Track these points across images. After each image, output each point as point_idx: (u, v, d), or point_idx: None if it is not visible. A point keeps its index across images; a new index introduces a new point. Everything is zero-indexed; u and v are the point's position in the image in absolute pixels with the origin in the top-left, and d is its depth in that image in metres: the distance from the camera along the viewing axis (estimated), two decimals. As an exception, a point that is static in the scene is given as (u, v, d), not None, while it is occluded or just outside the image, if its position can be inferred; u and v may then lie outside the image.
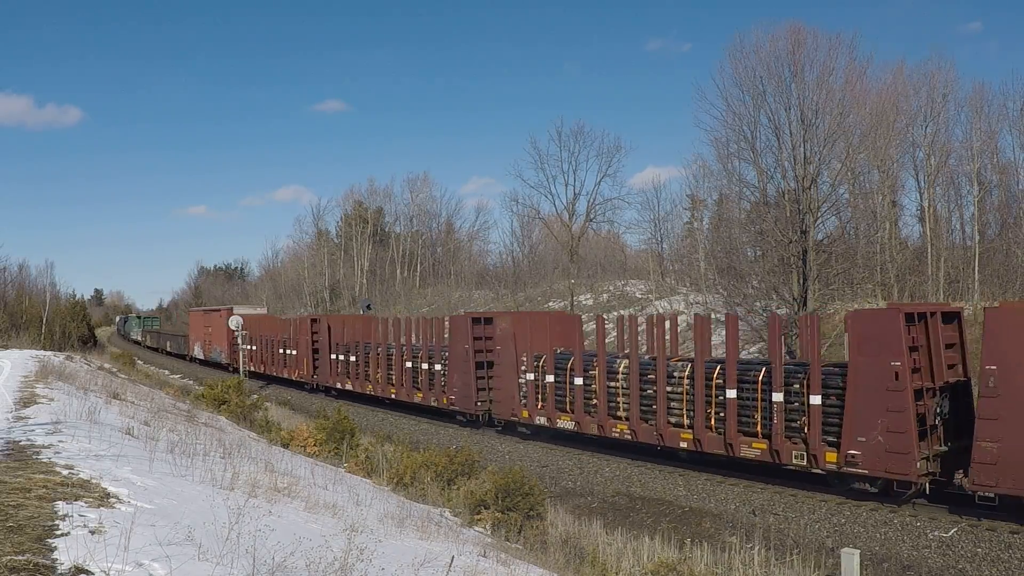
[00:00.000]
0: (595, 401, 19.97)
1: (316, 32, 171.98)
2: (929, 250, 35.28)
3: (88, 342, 66.47)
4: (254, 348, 44.60)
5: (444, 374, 26.09)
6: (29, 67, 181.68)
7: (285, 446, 18.73)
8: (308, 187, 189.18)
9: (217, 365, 51.03)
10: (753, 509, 15.50)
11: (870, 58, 42.75)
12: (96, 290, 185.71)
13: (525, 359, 22.22)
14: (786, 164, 33.66)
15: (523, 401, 22.22)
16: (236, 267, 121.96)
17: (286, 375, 39.96)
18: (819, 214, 32.66)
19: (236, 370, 42.51)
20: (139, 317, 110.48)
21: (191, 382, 43.77)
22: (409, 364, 28.41)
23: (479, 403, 24.49)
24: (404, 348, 28.88)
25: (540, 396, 21.75)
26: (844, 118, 33.16)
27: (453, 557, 7.35)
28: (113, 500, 6.81)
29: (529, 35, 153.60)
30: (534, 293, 57.50)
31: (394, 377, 29.48)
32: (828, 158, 32.95)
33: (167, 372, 53.77)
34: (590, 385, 20.12)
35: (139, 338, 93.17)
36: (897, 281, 34.98)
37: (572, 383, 20.56)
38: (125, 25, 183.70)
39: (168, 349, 70.43)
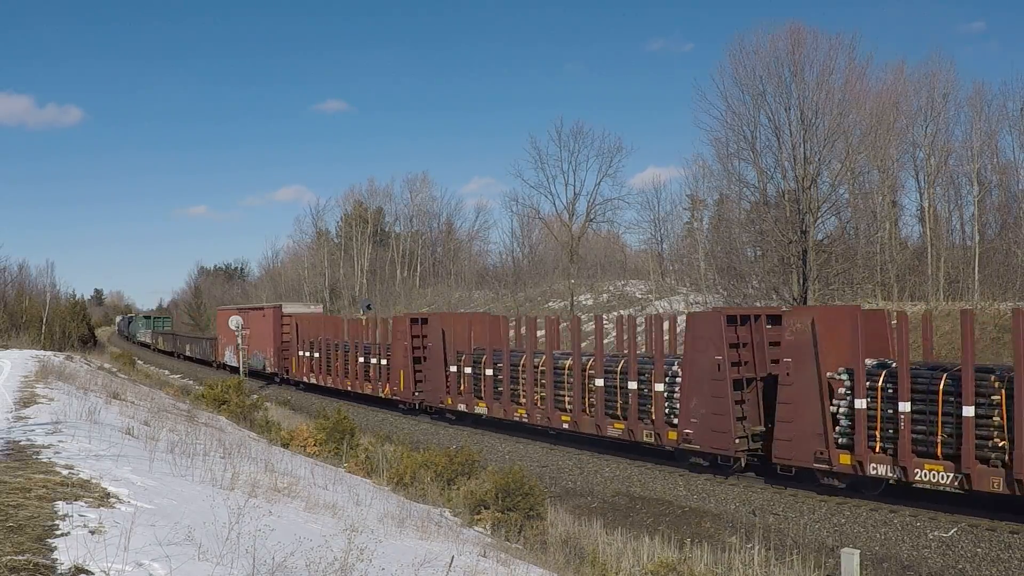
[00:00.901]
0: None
1: (317, 32, 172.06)
2: (929, 250, 35.29)
3: (88, 342, 66.43)
4: (315, 355, 35.91)
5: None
6: (30, 67, 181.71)
7: (285, 446, 18.73)
8: (309, 187, 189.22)
9: (258, 374, 42.47)
10: (753, 509, 15.50)
11: (870, 58, 42.68)
12: (96, 290, 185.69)
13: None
14: (786, 164, 33.69)
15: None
16: (236, 267, 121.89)
17: (367, 391, 30.98)
18: (819, 214, 32.70)
19: (287, 381, 39.56)
20: (147, 317, 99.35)
21: (191, 382, 43.78)
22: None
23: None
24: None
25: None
26: (844, 118, 33.20)
27: (453, 557, 7.35)
28: (113, 500, 6.81)
29: (530, 35, 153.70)
30: (534, 293, 57.51)
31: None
32: (828, 158, 33.00)
33: (167, 372, 53.76)
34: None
35: (147, 340, 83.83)
36: (897, 281, 34.99)
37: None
38: (126, 25, 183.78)
39: (188, 353, 60.90)
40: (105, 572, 4.71)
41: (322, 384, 34.94)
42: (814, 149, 32.30)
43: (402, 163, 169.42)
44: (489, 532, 12.69)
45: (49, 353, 36.48)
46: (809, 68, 33.38)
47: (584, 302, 50.91)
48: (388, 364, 28.85)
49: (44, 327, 53.39)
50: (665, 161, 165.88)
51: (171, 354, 68.26)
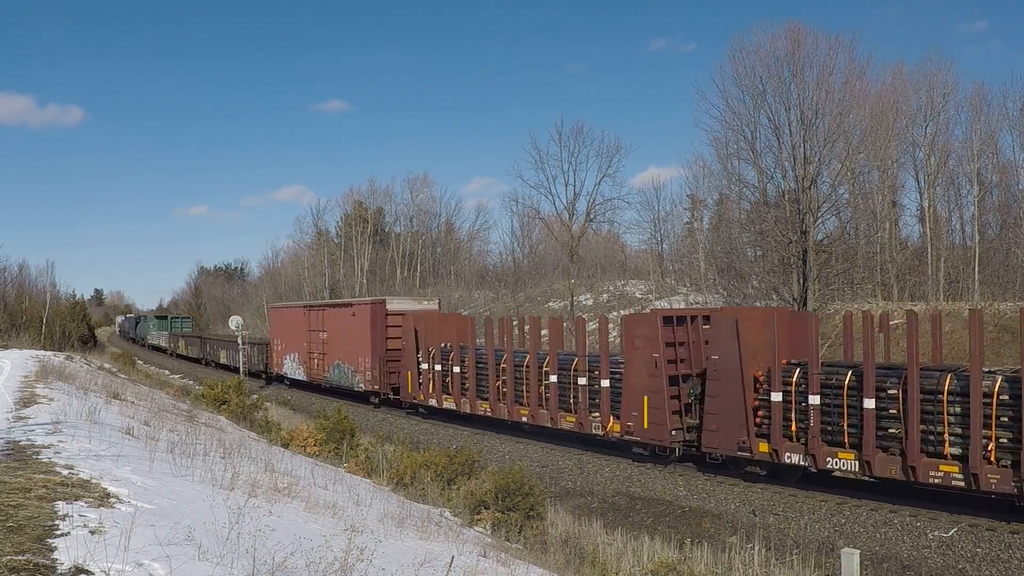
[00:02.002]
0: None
1: (318, 32, 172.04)
2: (929, 250, 35.29)
3: (88, 342, 66.41)
4: (450, 369, 25.07)
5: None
6: (31, 67, 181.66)
7: (285, 446, 18.73)
8: (309, 187, 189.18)
9: (348, 393, 31.92)
10: (753, 509, 15.50)
11: (870, 58, 42.82)
12: (96, 290, 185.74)
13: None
14: (786, 164, 33.69)
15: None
16: (236, 267, 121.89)
17: (565, 425, 20.69)
18: (819, 214, 32.70)
19: (393, 403, 29.29)
20: (162, 317, 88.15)
21: (191, 382, 43.73)
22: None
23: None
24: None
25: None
26: (844, 118, 33.20)
27: (453, 557, 7.35)
28: (113, 500, 6.81)
29: (532, 35, 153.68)
30: (534, 293, 57.51)
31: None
32: (828, 158, 32.99)
33: (167, 372, 53.74)
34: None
35: (162, 343, 73.03)
36: (897, 281, 34.99)
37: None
38: (127, 25, 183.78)
39: (222, 361, 49.99)
40: (105, 572, 4.71)
41: (465, 411, 24.47)
42: (814, 149, 32.30)
43: (403, 163, 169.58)
44: (489, 532, 12.69)
45: (49, 353, 36.49)
46: (809, 68, 33.40)
47: (584, 302, 50.92)
48: (611, 386, 19.17)
49: (44, 327, 53.41)
50: (666, 161, 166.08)
51: (198, 361, 56.71)
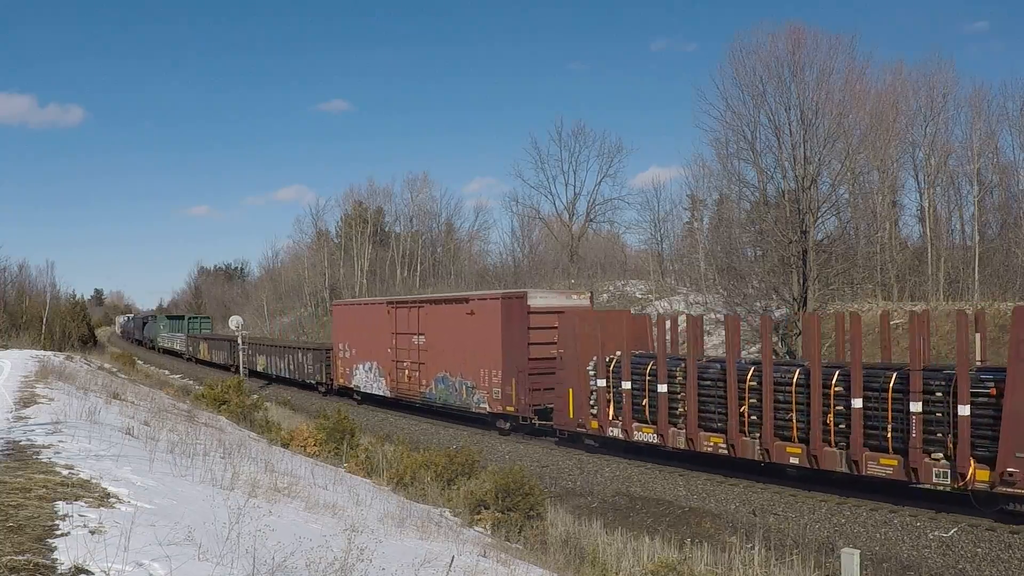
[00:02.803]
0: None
1: (318, 32, 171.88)
2: (929, 250, 35.27)
3: (88, 342, 66.34)
4: (661, 389, 18.13)
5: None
6: (31, 67, 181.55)
7: (285, 446, 18.73)
8: (310, 187, 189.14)
9: (458, 415, 26.17)
10: (753, 509, 15.50)
11: (870, 58, 42.73)
12: (96, 290, 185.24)
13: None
14: (786, 164, 33.67)
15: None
16: (236, 267, 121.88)
17: (836, 465, 15.16)
18: (819, 214, 32.67)
19: (527, 427, 22.91)
20: (176, 317, 78.58)
21: (191, 382, 43.71)
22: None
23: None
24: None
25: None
26: (844, 118, 33.18)
27: (453, 557, 7.35)
28: (113, 500, 6.81)
29: (533, 35, 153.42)
30: (534, 293, 57.41)
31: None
32: (828, 158, 32.96)
33: (167, 372, 53.74)
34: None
35: (178, 347, 65.59)
36: (897, 281, 34.98)
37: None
38: (128, 25, 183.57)
39: (263, 369, 42.44)
40: (105, 572, 4.71)
41: (677, 446, 18.01)
42: (814, 149, 32.28)
43: (403, 163, 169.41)
44: (489, 532, 12.69)
45: (49, 353, 36.49)
46: (809, 68, 33.36)
47: (584, 302, 50.82)
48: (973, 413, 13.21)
49: (44, 327, 53.36)
50: (667, 161, 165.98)
51: (225, 368, 47.73)
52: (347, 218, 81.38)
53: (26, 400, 14.81)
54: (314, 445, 19.24)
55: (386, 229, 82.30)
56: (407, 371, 27.81)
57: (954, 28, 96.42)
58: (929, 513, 13.88)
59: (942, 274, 34.60)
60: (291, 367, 38.69)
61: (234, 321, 44.27)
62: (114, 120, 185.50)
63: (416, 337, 27.14)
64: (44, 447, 9.10)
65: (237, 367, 44.74)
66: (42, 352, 36.80)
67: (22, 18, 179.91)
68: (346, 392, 32.91)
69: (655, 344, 19.40)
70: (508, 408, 22.82)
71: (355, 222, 78.85)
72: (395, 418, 28.69)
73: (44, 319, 54.48)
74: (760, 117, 34.95)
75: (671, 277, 52.36)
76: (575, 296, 25.01)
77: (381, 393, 29.89)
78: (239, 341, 43.72)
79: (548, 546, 12.45)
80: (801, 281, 31.86)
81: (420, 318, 27.04)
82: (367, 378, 30.88)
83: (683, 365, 17.87)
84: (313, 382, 36.17)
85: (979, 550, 12.52)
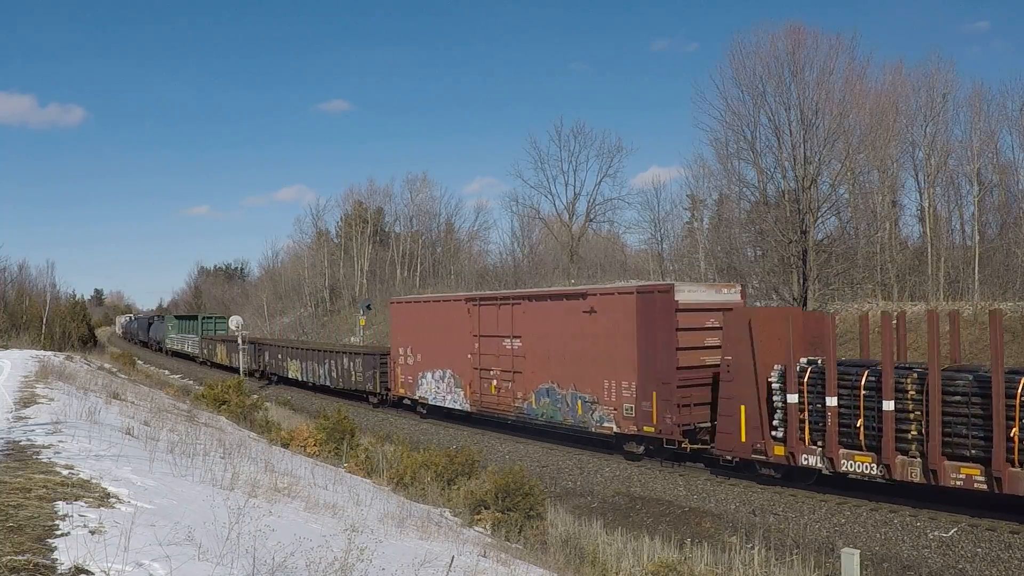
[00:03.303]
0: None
1: (319, 32, 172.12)
2: (929, 250, 35.27)
3: (88, 342, 66.31)
4: (888, 407, 13.98)
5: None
6: (32, 67, 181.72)
7: (285, 446, 18.73)
8: (311, 187, 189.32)
9: (564, 434, 21.95)
10: (753, 509, 15.50)
11: (870, 58, 42.77)
12: (96, 290, 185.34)
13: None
14: (786, 164, 33.68)
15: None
16: (236, 267, 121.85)
17: None
18: (819, 214, 32.69)
19: (737, 459, 16.89)
20: (190, 317, 71.26)
21: (191, 382, 43.70)
22: None
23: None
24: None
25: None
26: (844, 118, 33.18)
27: (453, 557, 7.35)
28: (113, 500, 6.81)
29: (535, 35, 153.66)
30: (534, 293, 57.44)
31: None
32: (828, 158, 32.98)
33: (167, 372, 53.72)
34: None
35: (190, 349, 60.27)
36: (897, 281, 34.97)
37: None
38: (129, 25, 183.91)
39: (292, 374, 37.91)
40: (105, 572, 4.71)
41: (895, 478, 14.26)
42: (814, 149, 32.29)
43: (405, 163, 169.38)
44: (489, 532, 12.69)
45: (49, 353, 36.48)
46: (809, 68, 33.39)
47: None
48: None
49: (44, 327, 53.36)
50: (668, 161, 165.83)
51: (250, 374, 41.77)
52: (347, 218, 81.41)
53: (26, 400, 14.81)
54: (314, 445, 19.24)
55: (386, 229, 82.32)
56: (495, 381, 23.12)
57: (954, 28, 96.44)
58: (929, 513, 13.88)
59: (942, 274, 34.59)
60: (333, 374, 33.35)
61: (234, 321, 44.20)
62: (114, 120, 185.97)
63: (509, 340, 22.55)
64: (44, 447, 9.10)
65: (261, 372, 42.04)
66: (42, 352, 36.79)
67: (22, 18, 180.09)
68: (405, 404, 28.65)
69: (832, 349, 15.00)
70: (645, 428, 18.46)
71: (355, 222, 78.87)
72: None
73: (44, 319, 54.48)
74: (760, 117, 34.99)
75: (671, 277, 52.31)
76: (724, 290, 20.06)
77: (457, 407, 25.05)
78: (239, 341, 43.54)
79: (548, 546, 12.45)
80: (801, 281, 31.87)
81: (515, 317, 22.46)
82: (437, 389, 26.18)
83: (914, 375, 13.86)
84: (362, 392, 31.41)
85: (979, 550, 12.52)
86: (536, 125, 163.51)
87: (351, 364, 32.08)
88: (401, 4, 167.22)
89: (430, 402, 26.73)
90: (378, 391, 30.31)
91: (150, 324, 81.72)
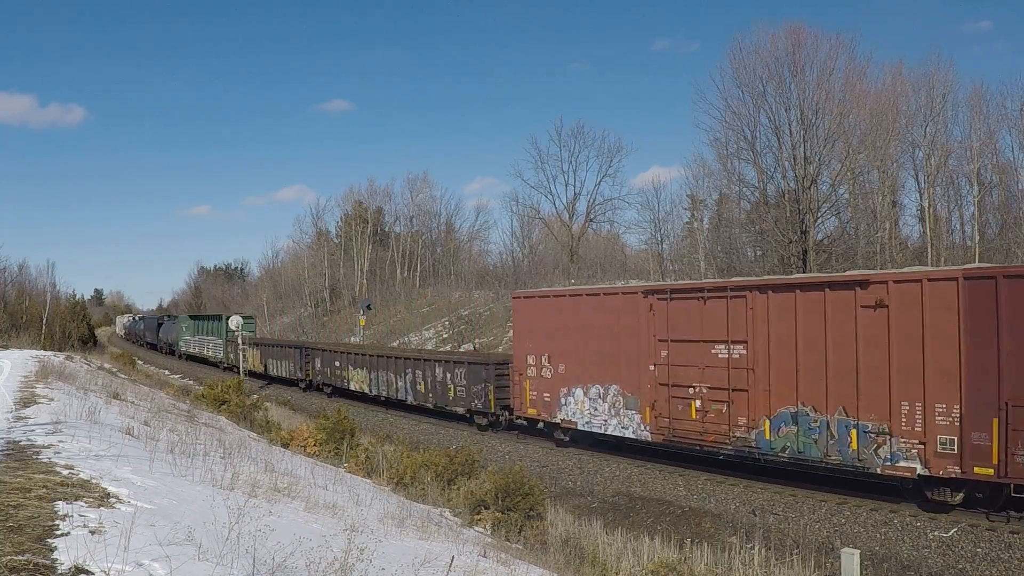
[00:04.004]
0: None
1: (320, 31, 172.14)
2: (929, 250, 35.29)
3: (88, 342, 66.32)
4: None
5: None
6: (32, 66, 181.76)
7: (285, 446, 18.73)
8: (311, 187, 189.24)
9: (827, 479, 16.53)
10: (753, 509, 15.50)
11: (870, 58, 42.77)
12: (96, 290, 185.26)
13: None
14: (786, 164, 33.71)
15: None
16: (236, 267, 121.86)
17: None
18: (819, 214, 32.72)
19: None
20: (213, 317, 58.07)
21: (191, 382, 43.69)
22: None
23: None
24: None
25: None
26: (844, 118, 33.21)
27: (453, 557, 7.35)
28: (113, 500, 6.81)
29: (534, 35, 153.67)
30: (534, 293, 57.47)
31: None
32: (828, 158, 33.02)
33: (167, 372, 53.72)
34: None
35: (210, 353, 53.60)
36: (897, 281, 34.92)
37: None
38: (130, 25, 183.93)
39: (355, 386, 32.28)
40: (105, 572, 4.71)
41: None
42: (814, 149, 32.33)
43: (405, 163, 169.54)
44: (489, 532, 12.69)
45: (49, 353, 36.48)
46: (809, 68, 33.44)
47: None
48: None
49: (44, 327, 53.38)
50: (669, 161, 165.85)
51: (294, 383, 38.23)
52: (347, 218, 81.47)
53: (26, 400, 14.81)
54: (314, 445, 19.24)
55: (386, 229, 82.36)
56: (699, 402, 17.53)
57: (955, 28, 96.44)
58: (929, 513, 13.88)
59: (942, 274, 34.53)
60: (419, 387, 27.57)
61: (234, 321, 44.15)
62: (115, 120, 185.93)
63: (725, 347, 17.00)
64: (44, 447, 9.10)
65: (308, 382, 36.81)
66: (42, 352, 36.79)
67: (22, 18, 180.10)
68: (527, 426, 23.10)
69: None
70: (978, 469, 13.24)
71: (355, 222, 78.90)
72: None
73: (44, 319, 54.50)
74: (760, 117, 35.04)
75: (671, 277, 52.33)
76: None
77: (630, 435, 19.17)
78: (239, 340, 43.44)
79: (548, 546, 12.45)
80: (801, 281, 31.87)
81: (735, 315, 16.84)
82: (594, 410, 20.10)
83: None
84: (466, 411, 25.55)
85: (979, 550, 12.52)
86: (536, 125, 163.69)
87: (448, 375, 25.99)
88: (401, 4, 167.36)
89: (580, 427, 20.56)
90: (492, 410, 24.00)
91: (159, 325, 75.46)
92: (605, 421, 19.87)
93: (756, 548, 12.59)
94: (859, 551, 11.59)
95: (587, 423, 20.38)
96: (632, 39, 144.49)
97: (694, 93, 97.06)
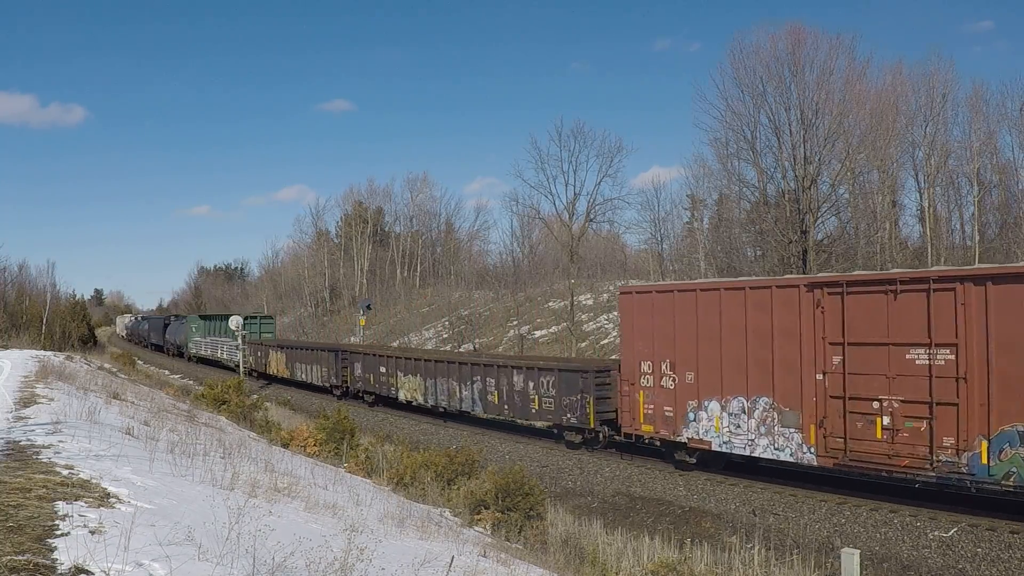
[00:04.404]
0: None
1: (321, 31, 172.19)
2: (929, 250, 35.31)
3: (88, 342, 66.29)
4: None
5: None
6: (33, 66, 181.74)
7: (285, 446, 18.73)
8: (312, 187, 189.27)
9: None
10: (753, 509, 15.50)
11: (870, 58, 42.78)
12: (96, 290, 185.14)
13: None
14: (786, 164, 33.71)
15: None
16: (236, 267, 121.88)
17: None
18: (819, 214, 32.71)
19: None
20: (225, 317, 53.72)
21: (191, 382, 43.68)
22: None
23: None
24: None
25: None
26: (844, 118, 33.21)
27: (453, 557, 7.35)
28: (113, 500, 6.81)
29: (535, 35, 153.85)
30: (534, 293, 57.53)
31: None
32: (828, 158, 33.00)
33: (167, 372, 53.71)
34: None
35: (226, 356, 49.01)
36: (897, 281, 34.93)
37: None
38: (130, 25, 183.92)
39: (405, 394, 28.43)
40: (105, 572, 4.72)
41: None
42: (814, 149, 32.32)
43: (405, 163, 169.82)
44: (489, 532, 12.69)
45: (49, 353, 36.48)
46: (809, 68, 33.42)
47: (584, 302, 50.91)
48: None
49: (44, 327, 53.38)
50: (669, 160, 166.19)
51: (327, 391, 34.75)
52: (347, 218, 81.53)
53: (26, 400, 14.81)
54: (314, 445, 19.24)
55: (386, 229, 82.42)
56: (887, 419, 14.43)
57: (956, 28, 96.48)
58: (929, 513, 13.88)
59: (942, 274, 34.53)
60: (490, 397, 23.93)
61: (234, 321, 44.08)
62: (115, 120, 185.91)
63: (923, 352, 13.92)
64: (44, 447, 9.10)
65: (344, 390, 32.95)
66: (42, 352, 36.79)
67: (22, 18, 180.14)
68: (645, 444, 19.45)
69: None
70: None
71: (355, 222, 78.95)
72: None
73: (44, 319, 54.50)
74: (760, 117, 35.02)
75: (671, 277, 52.36)
76: None
77: (787, 457, 16.06)
78: (239, 340, 43.33)
79: (548, 546, 12.45)
80: (801, 281, 31.87)
81: (936, 311, 13.77)
82: (736, 427, 16.77)
83: None
84: (553, 425, 22.05)
85: (979, 550, 12.52)
86: (536, 125, 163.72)
87: (530, 384, 22.22)
88: (401, 4, 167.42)
89: (716, 447, 17.14)
90: (590, 425, 20.11)
91: (166, 325, 70.44)
92: (751, 441, 16.46)
93: (756, 548, 12.59)
94: (859, 551, 11.59)
95: (725, 443, 16.88)
96: (633, 39, 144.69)
97: (694, 93, 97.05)
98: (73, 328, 59.29)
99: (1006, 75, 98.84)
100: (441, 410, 27.05)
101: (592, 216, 55.02)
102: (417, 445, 21.57)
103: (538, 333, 46.53)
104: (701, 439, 17.36)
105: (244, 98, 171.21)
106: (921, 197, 38.47)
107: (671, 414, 18.09)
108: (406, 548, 8.27)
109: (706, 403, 17.35)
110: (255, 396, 27.51)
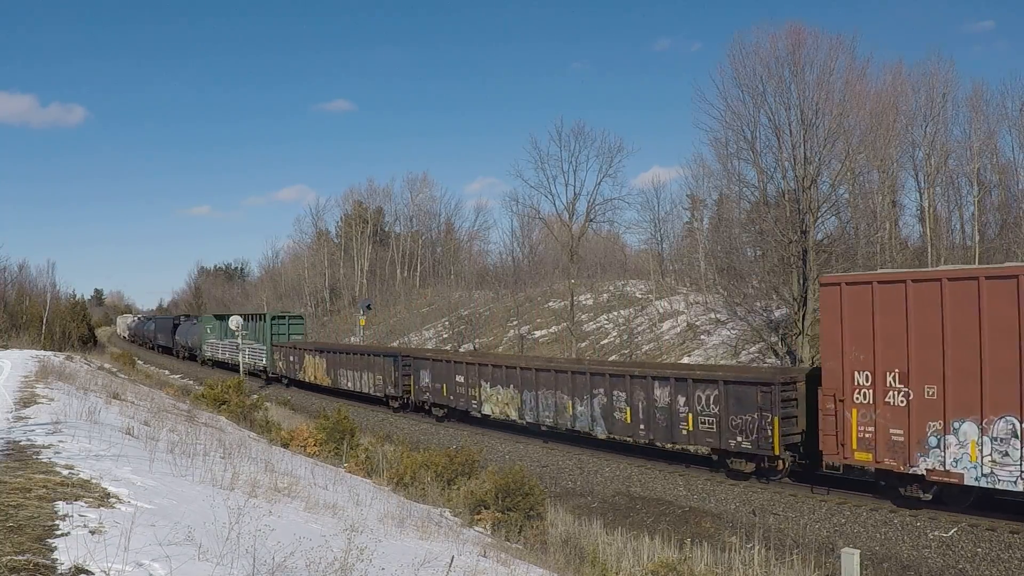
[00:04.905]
0: None
1: (321, 31, 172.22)
2: (929, 250, 35.30)
3: (88, 342, 66.23)
4: None
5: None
6: (33, 66, 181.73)
7: (285, 446, 18.73)
8: (312, 187, 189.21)
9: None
10: (753, 509, 15.50)
11: (870, 58, 42.78)
12: (96, 290, 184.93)
13: None
14: (786, 164, 33.68)
15: None
16: (236, 267, 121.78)
17: None
18: (819, 214, 32.68)
19: None
20: (254, 316, 48.36)
21: (191, 382, 43.66)
22: None
23: None
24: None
25: None
26: (844, 118, 33.19)
27: (453, 557, 7.35)
28: (113, 500, 6.81)
29: (535, 35, 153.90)
30: (534, 293, 57.55)
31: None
32: (828, 158, 32.97)
33: (167, 372, 53.70)
34: None
35: (249, 360, 44.45)
36: (897, 281, 34.90)
37: None
38: (130, 25, 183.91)
39: (502, 412, 23.63)
40: (105, 572, 4.71)
41: None
42: (814, 149, 32.28)
43: (405, 163, 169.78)
44: (489, 532, 12.69)
45: (49, 353, 36.47)
46: (809, 68, 33.38)
47: (584, 302, 50.93)
48: None
49: (44, 327, 53.34)
50: (669, 160, 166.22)
51: (382, 402, 30.76)
52: (347, 218, 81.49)
53: (26, 400, 14.80)
54: (314, 445, 19.24)
55: (386, 229, 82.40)
56: None
57: (956, 28, 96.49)
58: (929, 513, 13.87)
59: (942, 274, 34.51)
60: (623, 415, 19.44)
61: (234, 321, 44.05)
62: (115, 120, 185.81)
63: None
64: (44, 447, 9.09)
65: (403, 401, 29.14)
66: (42, 352, 36.77)
67: (22, 18, 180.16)
68: (832, 473, 16.88)
69: None
70: None
71: (355, 222, 78.92)
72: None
73: (44, 319, 54.46)
74: (760, 117, 34.96)
75: (671, 277, 52.37)
76: None
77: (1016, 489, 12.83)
78: (239, 340, 43.26)
79: (548, 546, 12.45)
80: (801, 281, 31.87)
81: None
82: (1003, 456, 12.85)
83: None
84: (711, 451, 18.17)
85: (979, 550, 12.51)
86: (536, 125, 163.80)
87: (679, 398, 18.07)
88: (401, 4, 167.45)
89: (970, 480, 13.31)
90: (775, 452, 16.17)
91: (175, 325, 66.00)
92: None
93: (756, 548, 12.59)
94: (859, 551, 11.60)
95: (985, 475, 13.05)
96: (633, 39, 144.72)
97: (694, 93, 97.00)
98: (73, 328, 59.23)
99: (1006, 75, 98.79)
100: (544, 428, 22.42)
101: (592, 216, 55.00)
102: (417, 445, 21.57)
103: (538, 333, 46.54)
104: (947, 471, 13.51)
105: (244, 98, 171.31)
106: (921, 197, 38.48)
107: (900, 439, 14.20)
108: (406, 548, 8.27)
109: (957, 425, 13.51)
110: (255, 396, 27.51)
